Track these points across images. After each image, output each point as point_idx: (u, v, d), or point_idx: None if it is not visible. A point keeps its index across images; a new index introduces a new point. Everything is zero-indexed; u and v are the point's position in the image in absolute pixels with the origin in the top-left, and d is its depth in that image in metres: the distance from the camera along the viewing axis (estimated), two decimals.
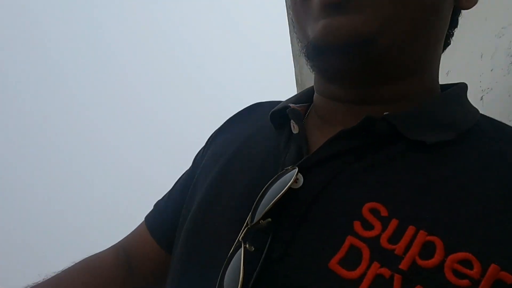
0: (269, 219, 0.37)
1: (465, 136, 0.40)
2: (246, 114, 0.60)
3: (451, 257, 0.32)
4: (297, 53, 1.73)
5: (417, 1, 0.41)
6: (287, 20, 1.69)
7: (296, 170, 0.38)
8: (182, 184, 0.61)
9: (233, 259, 0.37)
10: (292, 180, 0.37)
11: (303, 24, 0.45)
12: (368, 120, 0.39)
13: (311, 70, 0.48)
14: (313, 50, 0.42)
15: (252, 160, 0.48)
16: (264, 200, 0.39)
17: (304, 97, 0.52)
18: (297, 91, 1.87)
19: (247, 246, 0.36)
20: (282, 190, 0.37)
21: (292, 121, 0.46)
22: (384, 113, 0.40)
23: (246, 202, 0.41)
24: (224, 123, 0.61)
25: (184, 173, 0.64)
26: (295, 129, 0.46)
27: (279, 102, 0.54)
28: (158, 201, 0.65)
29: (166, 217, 0.60)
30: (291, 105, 0.48)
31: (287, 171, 0.40)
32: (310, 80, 1.85)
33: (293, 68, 1.84)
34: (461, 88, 0.47)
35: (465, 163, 0.38)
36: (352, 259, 0.34)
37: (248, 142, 0.51)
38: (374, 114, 0.40)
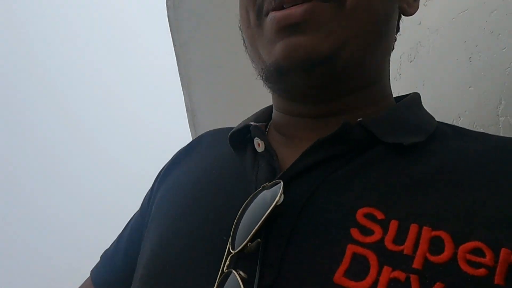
0: (259, 240, 0.34)
1: (432, 137, 0.41)
2: (196, 145, 0.58)
3: (462, 247, 0.31)
4: (185, 82, 1.79)
5: (371, 15, 0.42)
6: (173, 50, 1.75)
7: (281, 184, 0.36)
8: (131, 230, 0.57)
9: None
10: (280, 194, 0.35)
11: (258, 48, 0.44)
12: (346, 127, 0.39)
13: (269, 91, 0.48)
14: (274, 72, 0.41)
15: (217, 187, 0.45)
16: (243, 222, 0.36)
17: (261, 117, 0.51)
18: (188, 117, 1.92)
19: (241, 273, 0.33)
20: (266, 208, 0.34)
21: (256, 139, 0.45)
22: (358, 119, 0.40)
23: (218, 229, 0.38)
24: (173, 159, 0.58)
25: (132, 218, 0.59)
26: (260, 147, 0.44)
27: (229, 128, 0.52)
28: (105, 251, 0.60)
29: (113, 270, 0.55)
30: (252, 123, 0.47)
31: (265, 188, 0.38)
32: (200, 107, 1.94)
33: (183, 96, 1.88)
34: (418, 97, 0.49)
35: (441, 160, 0.38)
36: (358, 268, 0.31)
37: (208, 170, 0.48)
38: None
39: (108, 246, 0.61)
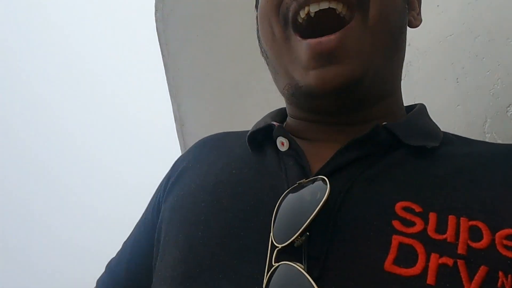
0: (308, 233, 0.35)
1: (443, 143, 0.45)
2: (201, 149, 0.57)
3: (498, 234, 0.34)
4: (173, 92, 1.81)
5: (390, 27, 0.45)
6: (162, 61, 1.76)
7: (327, 180, 0.36)
8: (135, 239, 0.57)
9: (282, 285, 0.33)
10: (328, 190, 0.35)
11: (285, 64, 0.45)
12: (377, 129, 0.42)
13: (289, 103, 0.49)
14: (305, 94, 0.44)
15: (242, 186, 0.45)
16: (284, 217, 0.37)
17: (276, 118, 0.52)
18: (176, 127, 1.93)
19: (299, 265, 0.33)
20: (311, 203, 0.35)
21: (280, 137, 0.46)
22: (383, 123, 0.43)
23: (252, 226, 0.39)
24: (178, 165, 0.57)
25: (135, 226, 0.59)
26: (284, 146, 0.45)
27: (230, 132, 0.54)
28: (110, 260, 0.60)
29: (116, 279, 0.56)
30: (274, 123, 0.48)
31: (301, 185, 0.39)
32: (189, 116, 1.96)
33: (171, 105, 1.89)
34: (424, 107, 0.53)
35: (458, 162, 0.42)
36: (407, 257, 0.33)
37: (226, 171, 0.48)
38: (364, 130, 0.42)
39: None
